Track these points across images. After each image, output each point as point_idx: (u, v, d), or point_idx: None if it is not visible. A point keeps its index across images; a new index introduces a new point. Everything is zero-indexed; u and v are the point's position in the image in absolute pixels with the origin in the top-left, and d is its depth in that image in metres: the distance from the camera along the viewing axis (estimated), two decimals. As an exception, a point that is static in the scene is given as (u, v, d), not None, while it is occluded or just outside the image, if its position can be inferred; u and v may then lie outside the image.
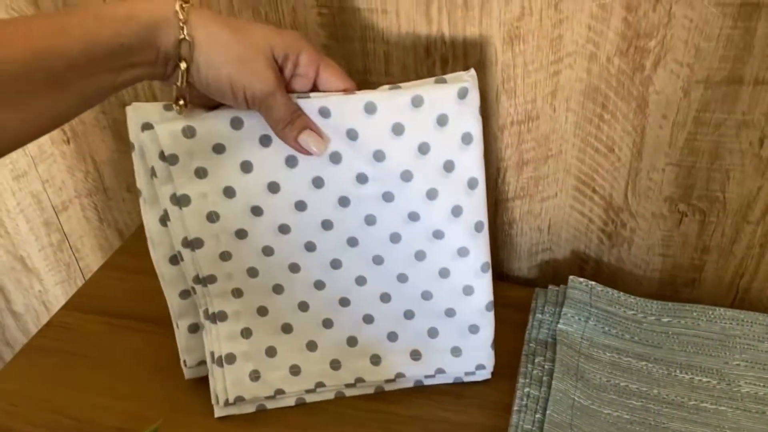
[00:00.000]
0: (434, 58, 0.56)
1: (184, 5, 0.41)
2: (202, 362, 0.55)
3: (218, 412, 0.54)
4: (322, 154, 0.47)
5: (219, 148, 0.47)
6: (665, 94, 0.51)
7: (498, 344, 0.58)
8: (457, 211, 0.49)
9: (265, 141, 0.47)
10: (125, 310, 0.65)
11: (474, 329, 0.54)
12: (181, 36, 0.41)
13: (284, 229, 0.50)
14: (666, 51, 0.50)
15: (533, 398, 0.53)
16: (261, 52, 0.43)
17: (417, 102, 0.46)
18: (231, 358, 0.53)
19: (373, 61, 0.57)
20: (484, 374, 0.56)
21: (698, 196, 0.56)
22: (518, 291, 0.63)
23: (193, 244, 0.49)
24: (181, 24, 0.41)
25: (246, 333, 0.53)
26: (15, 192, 0.84)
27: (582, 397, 0.53)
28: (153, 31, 0.40)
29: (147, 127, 0.46)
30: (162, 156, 0.47)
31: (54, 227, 0.86)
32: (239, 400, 0.53)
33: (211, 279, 0.51)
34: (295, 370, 0.54)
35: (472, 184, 0.49)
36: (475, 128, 0.47)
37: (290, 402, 0.55)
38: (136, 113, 0.47)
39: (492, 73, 0.55)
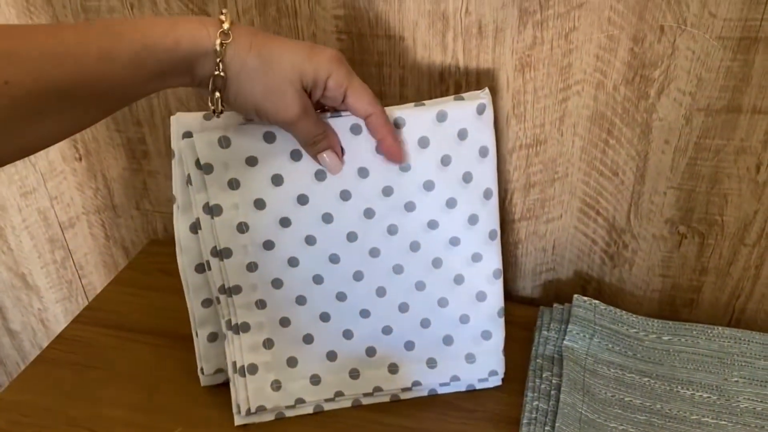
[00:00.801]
0: (448, 83, 0.58)
1: (224, 42, 0.42)
2: (219, 370, 0.56)
3: (238, 421, 0.54)
4: (336, 173, 0.50)
5: (252, 161, 0.49)
6: (668, 120, 0.54)
7: (507, 361, 0.59)
8: (473, 220, 0.52)
9: (295, 155, 0.50)
10: (136, 324, 0.66)
11: (486, 335, 0.56)
12: (216, 72, 0.43)
13: (310, 240, 0.52)
14: (670, 80, 0.53)
15: (542, 411, 0.54)
16: (288, 83, 0.44)
17: (441, 117, 0.50)
18: (253, 369, 0.54)
19: (388, 85, 0.60)
20: (496, 380, 0.58)
21: (698, 218, 0.58)
22: (523, 310, 0.65)
23: (222, 253, 0.51)
24: (218, 60, 0.42)
25: (268, 344, 0.54)
26: (22, 209, 0.85)
27: (589, 411, 0.54)
28: (192, 62, 0.42)
29: (187, 135, 0.49)
30: (198, 164, 0.49)
31: (59, 244, 0.87)
32: (260, 409, 0.54)
33: (236, 290, 0.53)
34: (315, 380, 0.55)
35: (487, 194, 0.52)
36: (491, 142, 0.51)
37: (309, 410, 0.56)
38: (178, 122, 0.49)
39: (503, 98, 0.58)
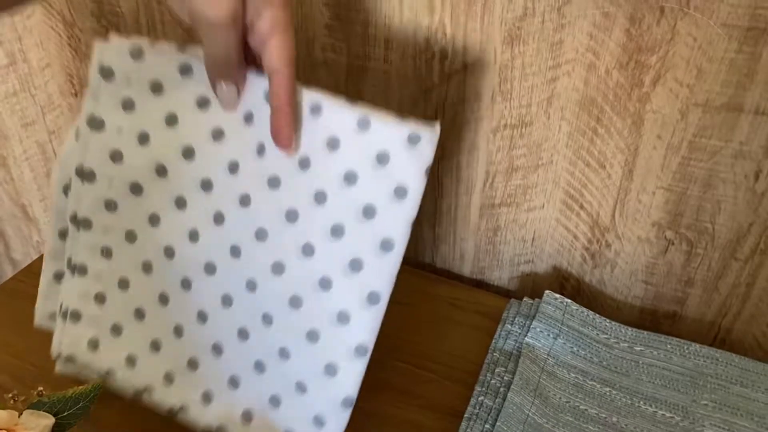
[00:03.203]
0: (434, 50, 0.55)
1: None
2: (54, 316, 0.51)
3: (58, 367, 0.50)
4: (227, 110, 0.42)
5: (156, 87, 0.44)
6: (662, 113, 0.50)
7: (465, 351, 0.56)
8: (355, 266, 0.41)
9: (202, 103, 0.43)
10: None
11: (318, 422, 0.44)
12: None
13: (180, 203, 0.45)
14: (667, 69, 0.48)
15: (486, 408, 0.51)
16: None
17: (363, 125, 0.40)
18: (76, 316, 0.48)
19: (373, 47, 0.57)
20: None
21: (687, 224, 0.54)
22: (495, 300, 0.62)
23: (86, 175, 0.45)
24: None
25: (100, 299, 0.48)
26: (23, 139, 0.85)
27: (537, 414, 0.51)
28: None
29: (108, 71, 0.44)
30: (102, 69, 0.43)
31: (55, 179, 0.87)
32: (70, 360, 0.48)
33: (86, 224, 0.46)
34: (131, 361, 0.48)
35: (386, 245, 0.40)
36: (415, 187, 0.40)
37: (128, 393, 0.48)
38: (102, 52, 0.44)
39: (490, 72, 0.54)
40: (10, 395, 0.45)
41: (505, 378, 0.53)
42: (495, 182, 0.59)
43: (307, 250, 0.42)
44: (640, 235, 0.56)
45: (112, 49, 0.43)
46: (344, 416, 0.43)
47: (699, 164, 0.51)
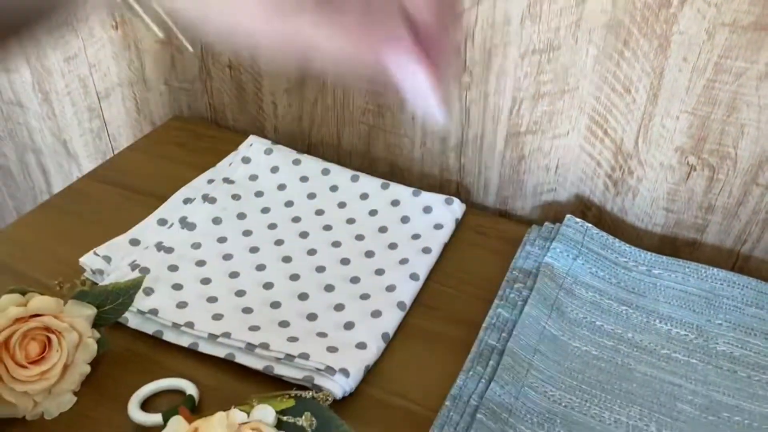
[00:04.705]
0: (465, -25, 0.56)
1: None
2: None
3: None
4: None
5: (274, 170, 0.68)
6: (689, 35, 0.50)
7: (487, 272, 0.58)
8: (403, 262, 0.59)
9: (304, 179, 0.68)
10: (139, 186, 0.68)
11: (361, 346, 0.51)
12: None
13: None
14: (695, -13, 0.48)
15: (503, 319, 0.53)
16: None
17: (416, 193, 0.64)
18: (160, 248, 0.59)
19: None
20: (339, 380, 0.48)
21: (710, 150, 0.55)
22: (518, 228, 0.63)
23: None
24: None
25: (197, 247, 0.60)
26: (65, 74, 0.88)
27: (553, 327, 0.53)
28: None
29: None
30: (243, 159, 0.69)
31: (95, 113, 0.90)
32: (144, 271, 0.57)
33: (212, 200, 0.64)
34: (212, 301, 0.55)
35: (426, 250, 0.60)
36: (447, 224, 0.62)
37: (184, 341, 0.52)
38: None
39: (519, -5, 0.55)
40: (57, 282, 0.48)
41: (523, 293, 0.55)
42: (521, 109, 0.60)
43: (369, 254, 0.60)
44: (663, 161, 0.57)
45: (255, 146, 0.69)
46: (381, 345, 0.52)
47: (724, 87, 0.51)
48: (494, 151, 0.64)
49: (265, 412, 0.40)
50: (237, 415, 0.39)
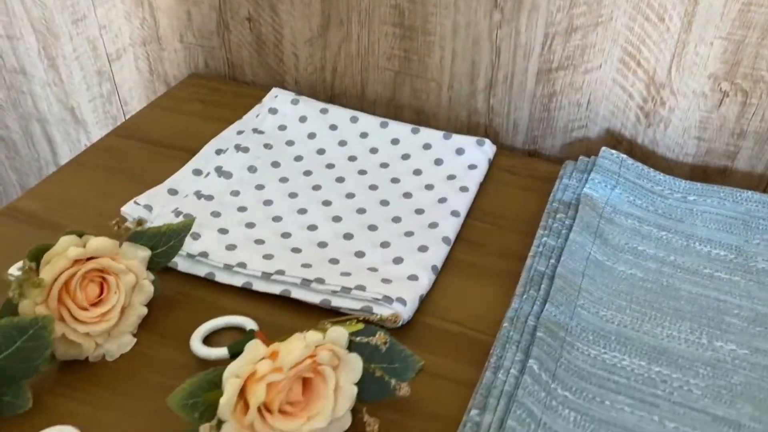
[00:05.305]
0: None
1: None
2: None
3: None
4: None
5: (302, 119, 0.68)
6: (725, -42, 0.51)
7: (521, 208, 0.59)
8: (442, 201, 0.60)
9: (333, 127, 0.68)
10: (166, 140, 0.68)
11: (413, 278, 0.52)
12: None
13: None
14: None
15: (549, 247, 0.54)
16: None
17: (447, 136, 0.65)
18: (209, 198, 0.60)
19: None
20: (397, 308, 0.49)
21: (743, 74, 0.56)
22: (549, 166, 0.64)
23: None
24: None
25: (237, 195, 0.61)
26: (73, 37, 0.87)
27: (598, 253, 0.54)
28: None
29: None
30: (270, 110, 0.70)
31: (106, 76, 0.89)
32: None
33: (245, 149, 0.65)
34: (259, 242, 0.56)
35: (463, 189, 0.61)
36: (480, 164, 0.63)
37: (237, 281, 0.52)
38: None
39: (553, -73, 0.55)
40: (114, 222, 0.48)
41: (566, 222, 0.56)
42: (554, 45, 0.61)
43: (407, 195, 0.61)
44: (696, 89, 0.58)
45: (280, 98, 0.70)
46: (432, 277, 0.53)
47: (760, 9, 0.52)
48: (524, 89, 0.65)
49: (339, 334, 0.41)
50: (313, 336, 0.40)
